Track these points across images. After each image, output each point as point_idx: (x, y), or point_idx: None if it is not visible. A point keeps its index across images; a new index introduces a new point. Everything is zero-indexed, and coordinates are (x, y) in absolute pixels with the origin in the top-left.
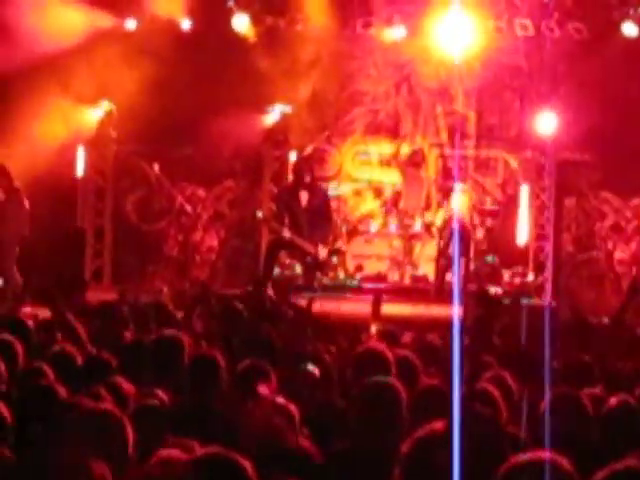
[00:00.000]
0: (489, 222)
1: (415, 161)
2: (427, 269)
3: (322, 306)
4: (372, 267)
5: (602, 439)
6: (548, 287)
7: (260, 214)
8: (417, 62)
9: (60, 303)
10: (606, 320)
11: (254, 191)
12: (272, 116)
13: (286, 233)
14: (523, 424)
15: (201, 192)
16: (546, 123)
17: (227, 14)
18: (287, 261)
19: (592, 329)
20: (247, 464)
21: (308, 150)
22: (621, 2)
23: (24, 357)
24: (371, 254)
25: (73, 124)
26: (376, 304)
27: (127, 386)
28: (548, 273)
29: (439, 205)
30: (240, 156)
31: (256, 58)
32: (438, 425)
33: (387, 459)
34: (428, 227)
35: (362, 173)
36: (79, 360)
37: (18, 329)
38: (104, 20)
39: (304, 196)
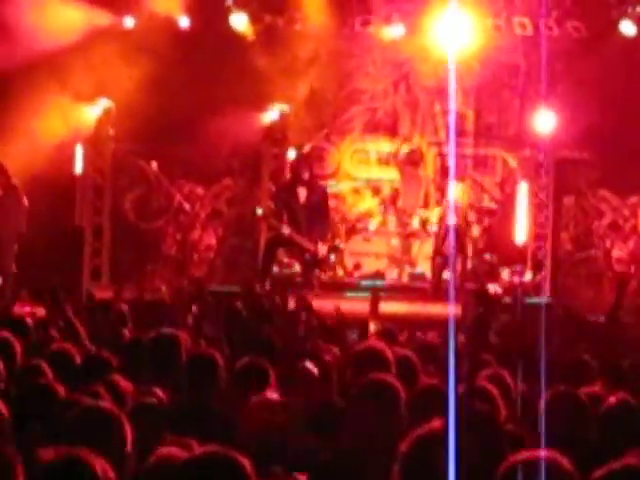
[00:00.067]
0: (487, 221)
1: (413, 159)
2: (425, 267)
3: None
4: (370, 265)
5: (601, 438)
6: (546, 285)
7: (260, 211)
8: (415, 60)
9: (61, 301)
10: (602, 318)
11: (252, 189)
12: (271, 114)
13: (285, 230)
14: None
15: (199, 190)
16: (544, 121)
17: (225, 12)
18: (285, 259)
19: (590, 327)
20: (246, 462)
21: (306, 148)
22: (619, 1)
23: (22, 355)
24: (369, 252)
25: (72, 122)
26: (374, 302)
27: (125, 384)
28: (546, 271)
29: (437, 203)
30: (238, 154)
31: (254, 56)
32: (437, 424)
33: (386, 458)
34: (424, 224)
35: (360, 171)
36: (77, 358)
37: (16, 327)
38: (102, 18)
39: (302, 193)
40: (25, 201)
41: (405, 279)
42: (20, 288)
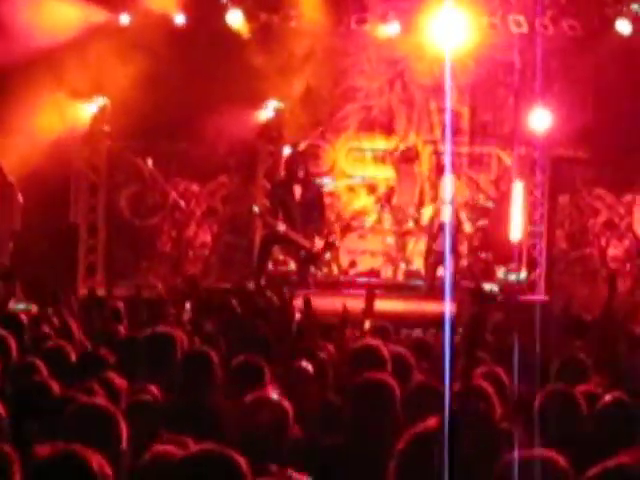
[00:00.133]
0: (482, 219)
1: (409, 157)
2: (420, 265)
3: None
4: (366, 263)
5: (596, 436)
6: (541, 284)
7: (255, 208)
8: (411, 58)
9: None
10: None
11: (247, 187)
12: (266, 112)
13: (280, 227)
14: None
15: (195, 187)
16: (540, 119)
17: (221, 10)
18: (280, 257)
19: (585, 325)
20: (241, 460)
21: (302, 146)
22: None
23: (17, 352)
24: (365, 250)
25: (67, 119)
26: (369, 300)
27: (119, 381)
28: (541, 269)
29: (433, 201)
30: (234, 152)
31: (250, 54)
32: (433, 421)
33: (381, 455)
34: (416, 222)
35: (356, 169)
36: (72, 355)
37: (11, 324)
38: (98, 15)
39: (297, 191)
40: (20, 198)
41: (400, 277)
42: (15, 285)
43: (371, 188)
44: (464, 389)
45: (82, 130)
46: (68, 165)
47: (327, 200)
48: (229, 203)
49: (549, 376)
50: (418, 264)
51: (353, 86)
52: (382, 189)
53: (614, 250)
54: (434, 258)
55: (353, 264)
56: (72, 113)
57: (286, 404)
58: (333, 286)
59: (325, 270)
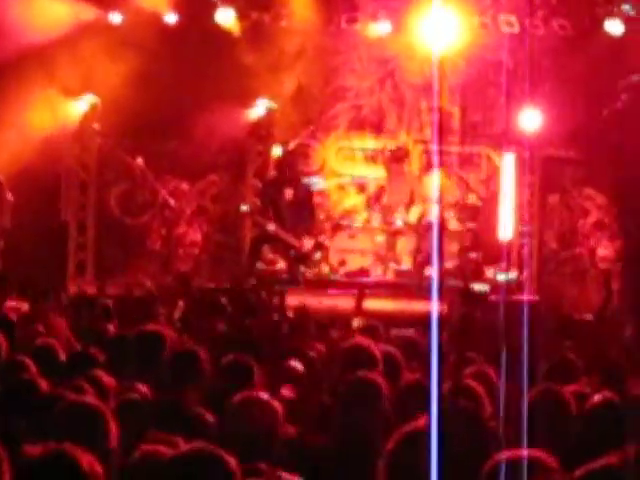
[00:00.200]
0: (472, 219)
1: (399, 157)
2: (410, 264)
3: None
4: (355, 262)
5: (585, 436)
6: (531, 284)
7: (245, 207)
8: (401, 58)
9: (43, 296)
10: (589, 317)
11: (237, 186)
12: (257, 110)
13: (270, 227)
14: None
15: (185, 186)
16: (530, 119)
17: (212, 8)
18: (270, 256)
19: (575, 325)
20: (231, 460)
21: (292, 145)
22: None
23: (7, 350)
24: (354, 249)
25: (58, 116)
26: (359, 299)
27: (108, 380)
28: (531, 269)
29: (422, 200)
30: (224, 150)
31: (241, 53)
32: (422, 421)
33: (370, 454)
34: (405, 221)
35: (346, 168)
36: (61, 354)
37: (1, 322)
38: (89, 13)
39: (288, 190)
40: (10, 196)
41: (390, 276)
42: (7, 288)
43: (361, 187)
44: (454, 389)
45: (72, 128)
46: (58, 163)
47: (317, 199)
48: (219, 202)
49: (538, 376)
50: (408, 264)
51: (343, 85)
52: (372, 188)
53: (604, 250)
54: (423, 257)
55: (343, 263)
56: (63, 110)
57: (276, 404)
58: (323, 285)
59: (315, 269)
